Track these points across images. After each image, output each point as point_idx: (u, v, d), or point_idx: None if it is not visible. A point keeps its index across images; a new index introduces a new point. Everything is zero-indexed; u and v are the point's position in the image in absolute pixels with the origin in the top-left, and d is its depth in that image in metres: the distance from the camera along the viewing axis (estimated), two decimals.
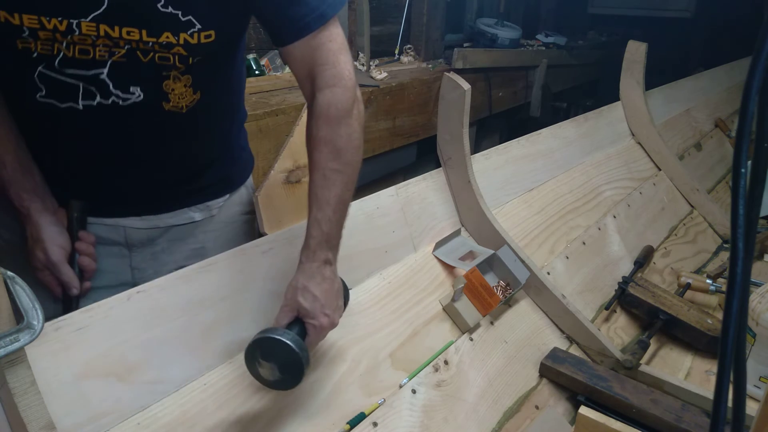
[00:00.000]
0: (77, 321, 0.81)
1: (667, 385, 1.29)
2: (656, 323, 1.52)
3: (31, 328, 0.68)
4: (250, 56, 2.36)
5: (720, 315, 1.52)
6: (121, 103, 0.90)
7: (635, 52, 2.20)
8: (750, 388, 1.29)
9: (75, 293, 0.96)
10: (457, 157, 1.44)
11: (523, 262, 1.40)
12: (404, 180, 1.41)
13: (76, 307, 0.92)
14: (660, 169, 2.22)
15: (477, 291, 1.28)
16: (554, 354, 1.34)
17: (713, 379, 0.96)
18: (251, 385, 0.93)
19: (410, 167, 2.77)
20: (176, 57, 0.88)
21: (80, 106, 0.90)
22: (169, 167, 1.05)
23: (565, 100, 4.22)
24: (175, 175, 1.07)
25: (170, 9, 0.83)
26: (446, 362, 1.18)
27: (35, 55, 0.84)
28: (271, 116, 1.91)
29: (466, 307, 1.27)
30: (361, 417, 1.00)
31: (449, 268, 1.36)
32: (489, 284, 1.31)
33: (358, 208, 1.24)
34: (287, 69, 2.38)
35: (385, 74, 2.49)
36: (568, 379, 1.27)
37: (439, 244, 1.37)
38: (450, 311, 1.27)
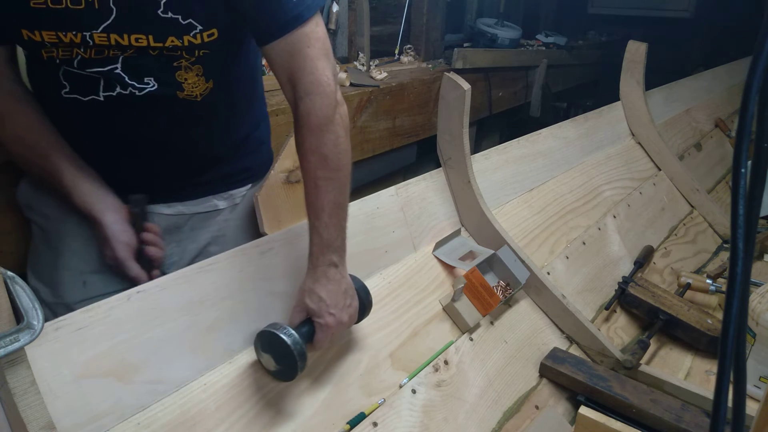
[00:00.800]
0: (77, 321, 0.81)
1: (667, 385, 1.29)
2: (656, 323, 1.52)
3: (31, 328, 0.68)
4: None
5: (720, 315, 1.52)
6: (137, 93, 0.96)
7: (635, 52, 2.20)
8: (750, 388, 1.29)
9: None
10: (457, 157, 1.44)
11: (523, 262, 1.40)
12: (404, 180, 1.41)
13: None
14: (660, 169, 2.22)
15: (477, 291, 1.28)
16: (554, 354, 1.34)
17: (713, 379, 0.96)
18: (251, 385, 0.93)
19: (410, 167, 2.77)
20: (183, 50, 0.93)
21: (101, 98, 0.96)
22: (190, 155, 1.10)
23: (565, 100, 4.22)
24: (197, 162, 1.13)
25: (170, 14, 0.87)
26: (446, 362, 1.18)
27: (58, 60, 0.93)
28: (271, 116, 1.89)
29: (466, 307, 1.27)
30: (361, 417, 1.00)
31: (449, 268, 1.36)
32: (489, 284, 1.31)
33: (358, 208, 1.24)
34: None
35: (385, 74, 2.49)
36: (568, 379, 1.27)
37: (439, 244, 1.37)
38: (450, 311, 1.27)
